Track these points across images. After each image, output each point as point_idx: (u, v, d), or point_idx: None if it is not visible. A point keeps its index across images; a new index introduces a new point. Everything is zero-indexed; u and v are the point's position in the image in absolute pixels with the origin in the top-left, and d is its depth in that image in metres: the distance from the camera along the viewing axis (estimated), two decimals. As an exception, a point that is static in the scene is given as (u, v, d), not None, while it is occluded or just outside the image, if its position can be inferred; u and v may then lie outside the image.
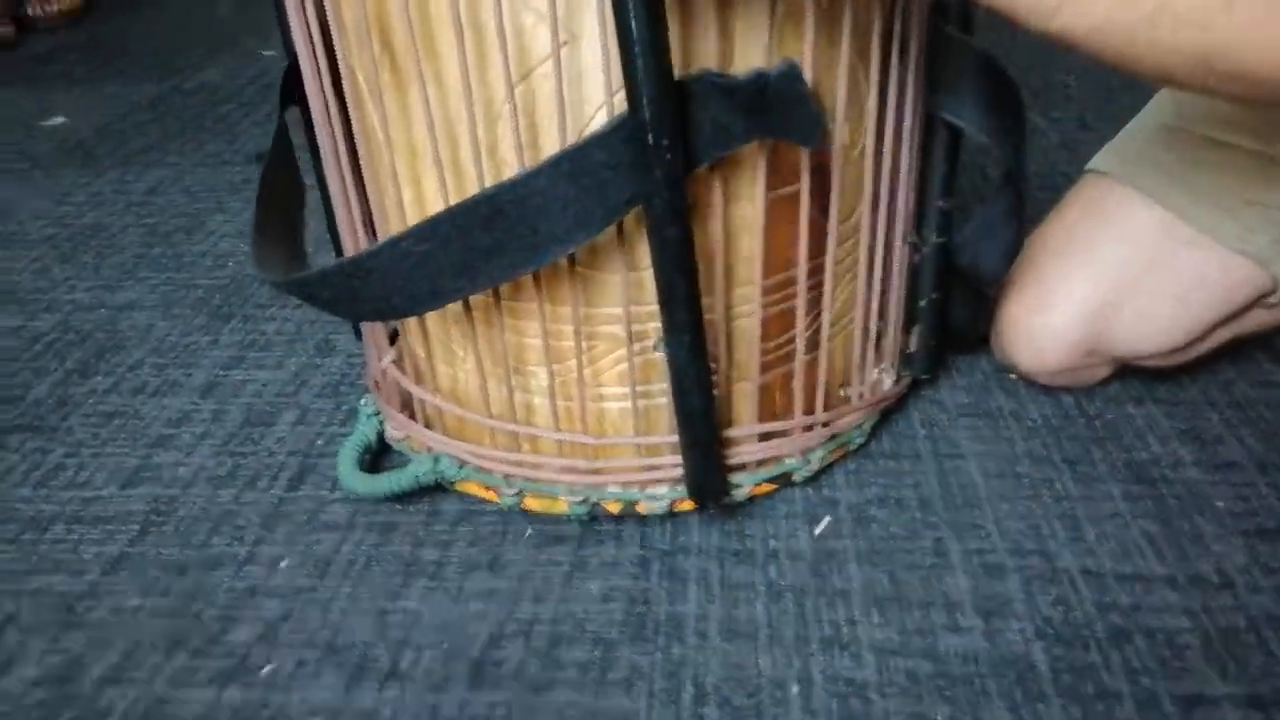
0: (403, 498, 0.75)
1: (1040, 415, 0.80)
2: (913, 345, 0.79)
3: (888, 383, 0.76)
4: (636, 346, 0.64)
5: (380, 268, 0.61)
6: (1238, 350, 0.83)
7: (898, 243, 0.71)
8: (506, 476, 0.71)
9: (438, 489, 0.75)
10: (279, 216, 0.75)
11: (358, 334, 0.83)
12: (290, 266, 0.72)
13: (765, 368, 0.67)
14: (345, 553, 0.71)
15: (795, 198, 0.64)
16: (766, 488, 0.72)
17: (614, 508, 0.70)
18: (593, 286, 0.63)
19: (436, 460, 0.72)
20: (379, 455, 0.80)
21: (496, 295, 0.64)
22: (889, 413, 0.80)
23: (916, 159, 0.71)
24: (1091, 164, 0.77)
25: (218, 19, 2.18)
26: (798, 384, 0.69)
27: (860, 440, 0.75)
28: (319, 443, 0.83)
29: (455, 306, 0.67)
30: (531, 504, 0.72)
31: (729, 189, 0.60)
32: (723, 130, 0.55)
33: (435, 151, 0.60)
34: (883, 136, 0.66)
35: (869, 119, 0.64)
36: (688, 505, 0.70)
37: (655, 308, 0.61)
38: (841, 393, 0.74)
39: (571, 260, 0.61)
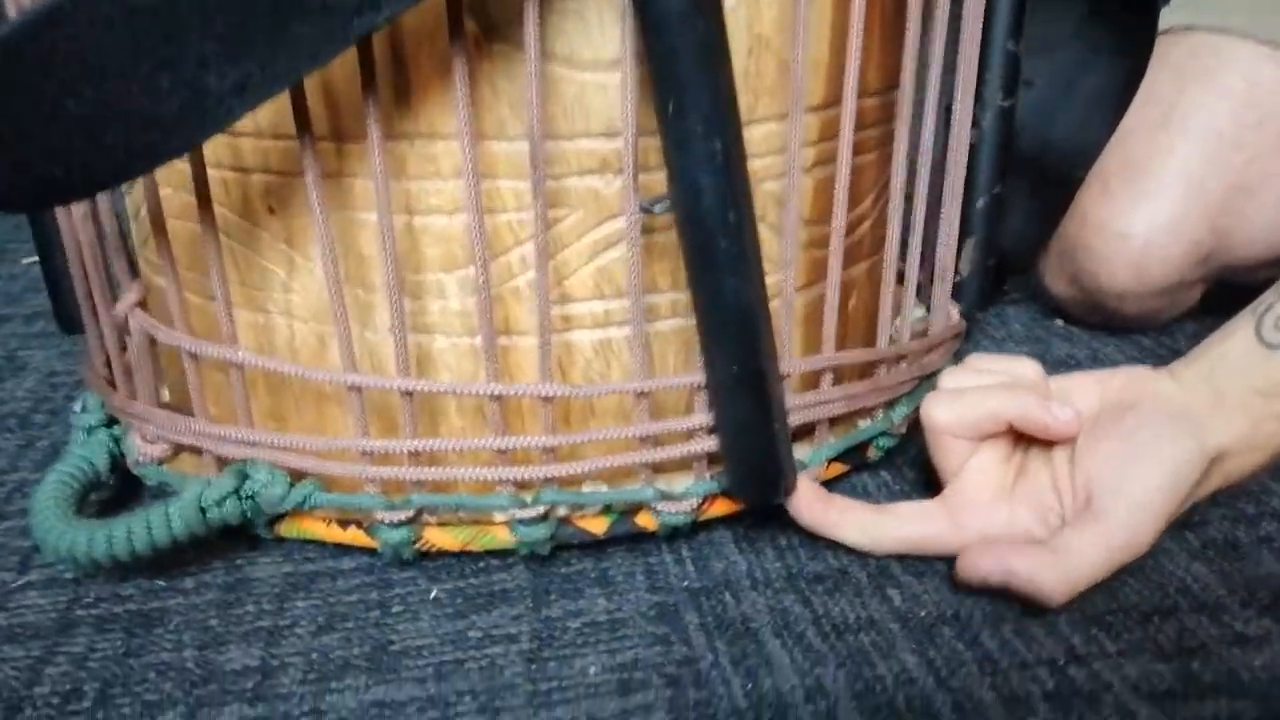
0: (170, 560, 0.39)
1: (1126, 359, 0.58)
2: (963, 268, 0.55)
3: (955, 313, 0.51)
4: (638, 206, 0.34)
5: (48, 60, 0.28)
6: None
7: (966, 92, 0.47)
8: (387, 489, 0.38)
9: (242, 536, 0.41)
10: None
11: (51, 281, 0.47)
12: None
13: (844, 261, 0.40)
14: (53, 678, 0.34)
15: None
16: (836, 469, 0.43)
17: (597, 525, 0.39)
18: (560, 89, 0.34)
19: (242, 476, 0.38)
20: (116, 499, 0.44)
21: (372, 99, 0.32)
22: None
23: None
24: (1165, 25, 0.58)
25: None
26: (885, 287, 0.42)
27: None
28: (-7, 500, 0.45)
29: (262, 169, 0.35)
30: (437, 538, 0.39)
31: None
32: None
33: None
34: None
35: None
36: (724, 507, 0.40)
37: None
38: (895, 325, 0.48)
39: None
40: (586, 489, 0.38)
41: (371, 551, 0.40)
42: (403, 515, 0.37)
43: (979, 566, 0.36)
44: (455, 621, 0.37)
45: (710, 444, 0.37)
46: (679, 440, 0.38)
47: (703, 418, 0.37)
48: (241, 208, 0.37)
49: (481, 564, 0.40)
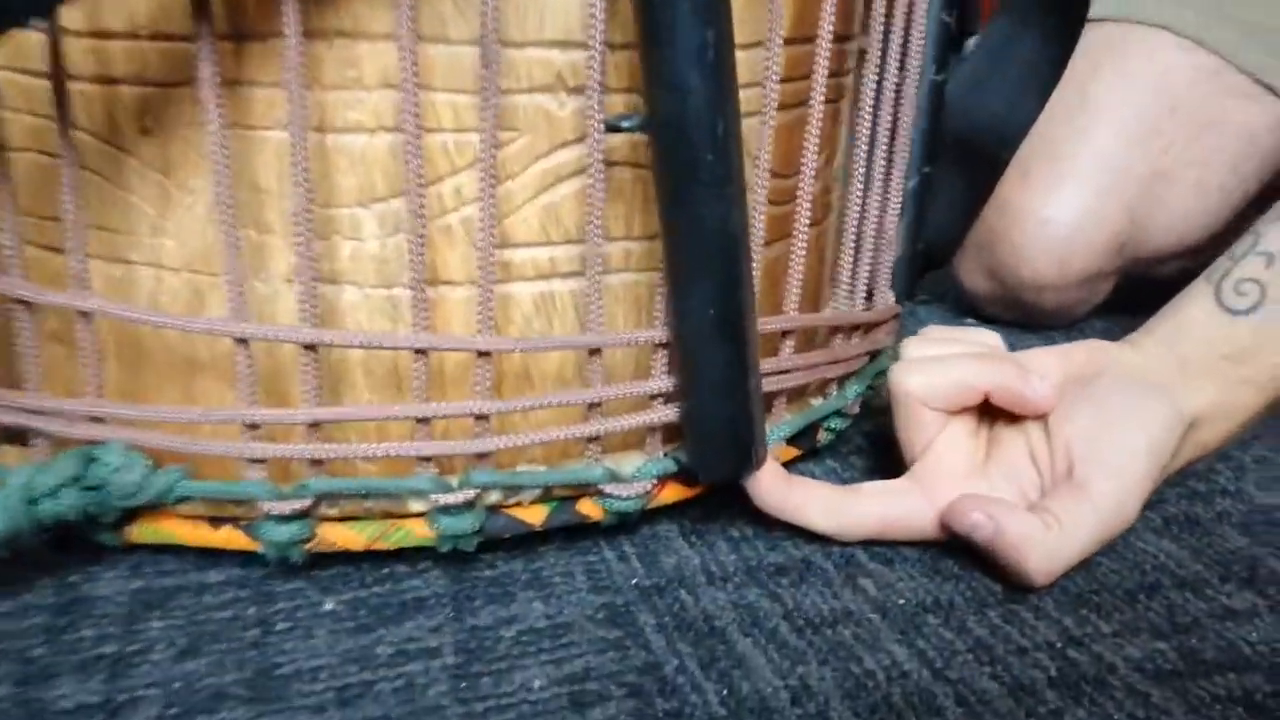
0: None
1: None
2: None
3: (890, 295, 0.48)
4: (603, 124, 0.30)
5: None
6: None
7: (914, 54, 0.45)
8: (274, 475, 0.31)
9: (76, 546, 0.32)
10: None
11: None
12: None
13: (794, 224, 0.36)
14: None
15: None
16: (787, 454, 0.39)
17: (533, 515, 0.33)
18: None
19: (87, 460, 0.30)
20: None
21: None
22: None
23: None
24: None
25: None
26: (844, 248, 0.39)
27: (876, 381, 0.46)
28: None
29: (137, 79, 0.29)
30: (336, 535, 0.32)
31: None
32: None
33: None
34: None
35: None
36: (674, 493, 0.35)
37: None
38: (847, 295, 0.44)
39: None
40: (522, 471, 0.32)
41: (246, 560, 0.33)
42: (296, 505, 0.30)
43: (969, 515, 0.33)
44: (358, 637, 0.30)
45: (668, 414, 0.32)
46: (632, 410, 0.33)
47: (661, 382, 0.32)
48: (106, 128, 0.30)
49: (385, 569, 0.33)
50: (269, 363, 0.31)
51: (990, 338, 0.39)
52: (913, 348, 0.38)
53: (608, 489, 0.33)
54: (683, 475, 0.34)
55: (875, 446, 0.44)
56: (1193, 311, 0.37)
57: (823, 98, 0.35)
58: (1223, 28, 0.52)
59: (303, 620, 0.31)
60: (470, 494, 0.31)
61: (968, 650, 0.31)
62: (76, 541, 0.32)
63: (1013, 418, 0.37)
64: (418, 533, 0.32)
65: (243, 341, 0.29)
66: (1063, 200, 0.52)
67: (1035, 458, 0.35)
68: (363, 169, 0.30)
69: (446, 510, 0.31)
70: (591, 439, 0.33)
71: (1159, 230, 0.54)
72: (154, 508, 0.31)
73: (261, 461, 0.30)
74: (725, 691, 0.29)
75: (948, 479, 0.35)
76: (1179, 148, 0.52)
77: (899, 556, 0.35)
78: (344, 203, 0.30)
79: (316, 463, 0.30)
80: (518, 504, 0.33)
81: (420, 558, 0.34)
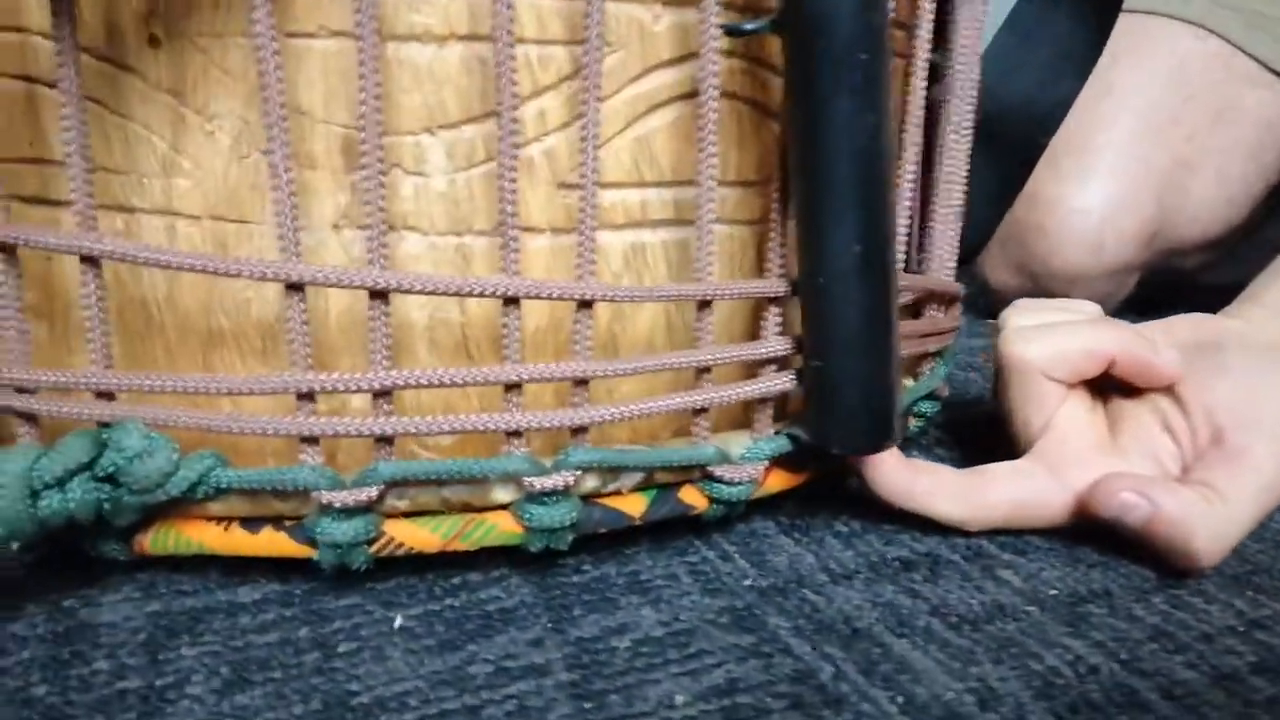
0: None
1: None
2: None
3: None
4: (717, 28, 0.25)
5: None
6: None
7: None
8: (330, 460, 0.25)
9: (71, 562, 0.26)
10: None
11: None
12: None
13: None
14: None
15: None
16: (886, 438, 0.35)
17: (633, 505, 0.28)
18: None
19: (99, 444, 0.23)
20: None
21: None
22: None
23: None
24: None
25: None
26: (937, 213, 0.35)
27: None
28: None
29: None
30: (406, 533, 0.26)
31: None
32: None
33: None
34: None
35: None
36: (780, 481, 0.30)
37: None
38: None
39: None
40: (624, 452, 0.27)
41: (284, 574, 0.27)
42: (361, 496, 0.25)
43: (1118, 495, 0.29)
44: (445, 655, 0.25)
45: (783, 382, 0.28)
46: (746, 374, 0.28)
47: (775, 344, 0.28)
48: (104, 40, 0.24)
49: (456, 579, 0.28)
50: (314, 322, 0.25)
51: (1090, 307, 0.36)
52: (1017, 317, 0.35)
53: (716, 472, 0.28)
54: (793, 459, 0.30)
55: (955, 436, 0.40)
56: None
57: (928, 46, 0.31)
58: (1229, 17, 0.52)
59: (370, 640, 0.25)
60: (569, 477, 0.26)
61: (1149, 639, 0.27)
62: (63, 558, 0.26)
63: (1131, 391, 0.33)
64: (503, 528, 0.26)
65: (296, 288, 0.24)
66: (1093, 189, 0.51)
67: (1171, 429, 0.32)
68: (430, 86, 0.25)
69: (539, 499, 0.26)
70: (698, 412, 0.28)
71: (1185, 220, 0.52)
72: (177, 507, 0.25)
73: (315, 442, 0.25)
74: (900, 699, 0.24)
75: (1077, 457, 0.32)
76: (1200, 136, 0.51)
77: (1030, 546, 0.31)
78: (406, 128, 0.25)
79: (384, 443, 0.25)
80: (615, 492, 0.28)
81: (493, 564, 0.28)
